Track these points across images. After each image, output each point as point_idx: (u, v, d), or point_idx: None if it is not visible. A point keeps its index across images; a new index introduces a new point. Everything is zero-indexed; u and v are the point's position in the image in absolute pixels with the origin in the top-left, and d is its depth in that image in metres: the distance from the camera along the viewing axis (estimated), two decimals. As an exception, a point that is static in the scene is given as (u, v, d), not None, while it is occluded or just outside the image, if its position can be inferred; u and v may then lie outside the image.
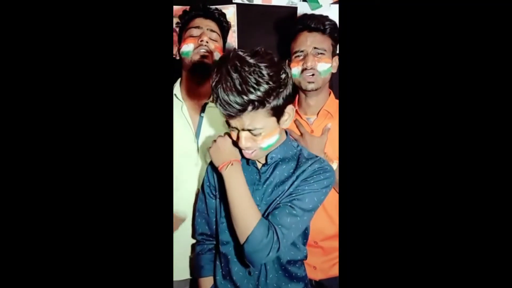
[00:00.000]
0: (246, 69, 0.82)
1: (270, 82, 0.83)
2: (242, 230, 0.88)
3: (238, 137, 0.92)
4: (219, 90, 0.83)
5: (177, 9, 1.56)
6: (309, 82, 1.26)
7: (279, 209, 0.91)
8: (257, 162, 1.01)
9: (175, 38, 1.39)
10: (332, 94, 1.37)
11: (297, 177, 0.95)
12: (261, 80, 0.82)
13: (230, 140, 0.97)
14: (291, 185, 0.95)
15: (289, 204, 0.91)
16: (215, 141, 0.99)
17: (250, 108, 0.83)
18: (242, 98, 0.81)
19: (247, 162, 1.02)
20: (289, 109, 0.93)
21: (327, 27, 1.28)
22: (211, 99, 1.31)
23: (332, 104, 1.34)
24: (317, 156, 1.01)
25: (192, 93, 1.33)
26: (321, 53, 1.26)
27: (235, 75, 0.81)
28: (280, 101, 0.87)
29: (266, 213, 0.95)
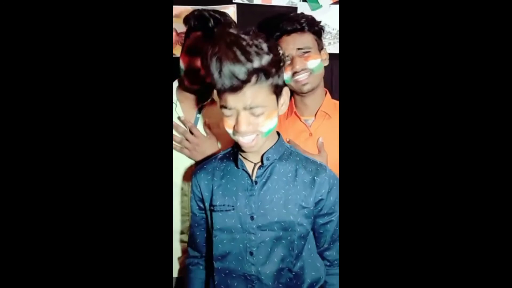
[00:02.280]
0: (244, 43, 0.79)
1: (271, 54, 0.81)
2: None
3: (236, 122, 0.83)
4: (221, 61, 0.78)
5: (177, 8, 1.55)
6: (303, 84, 1.24)
7: (334, 248, 0.97)
8: (246, 164, 0.94)
9: (175, 38, 1.39)
10: (328, 93, 1.36)
11: (303, 184, 0.92)
12: (261, 52, 0.79)
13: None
14: (293, 189, 0.91)
15: (336, 238, 0.96)
16: None
17: (254, 79, 0.80)
18: (247, 67, 0.77)
19: (236, 165, 0.94)
20: (285, 92, 0.90)
21: (303, 24, 1.25)
22: (208, 101, 1.30)
23: (329, 104, 1.32)
24: (315, 159, 0.98)
25: (188, 95, 1.32)
26: (306, 52, 1.24)
27: (234, 47, 0.78)
28: (280, 79, 0.86)
29: (270, 228, 0.90)
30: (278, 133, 0.98)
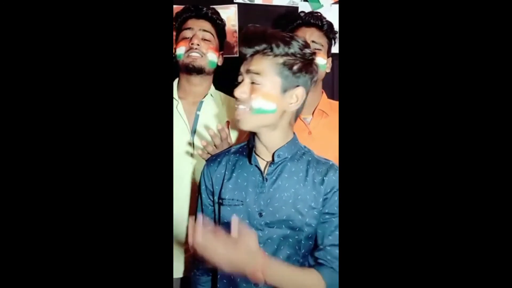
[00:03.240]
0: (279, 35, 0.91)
1: (296, 48, 0.90)
2: None
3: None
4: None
5: (177, 9, 1.56)
6: None
7: (328, 251, 0.89)
8: (259, 161, 0.95)
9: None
10: (324, 93, 1.40)
11: (313, 183, 0.92)
12: (289, 40, 0.89)
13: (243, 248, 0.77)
14: (303, 189, 0.91)
15: (335, 243, 0.89)
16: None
17: (262, 49, 0.89)
18: (264, 41, 0.89)
19: (249, 160, 0.95)
20: (299, 92, 0.91)
21: (324, 23, 1.32)
22: (206, 97, 1.34)
23: (326, 103, 1.37)
24: (327, 160, 0.97)
25: (188, 92, 1.35)
26: (317, 48, 1.29)
27: (267, 31, 0.91)
28: (291, 71, 0.89)
29: (273, 224, 0.90)
30: (294, 133, 0.98)
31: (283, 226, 0.90)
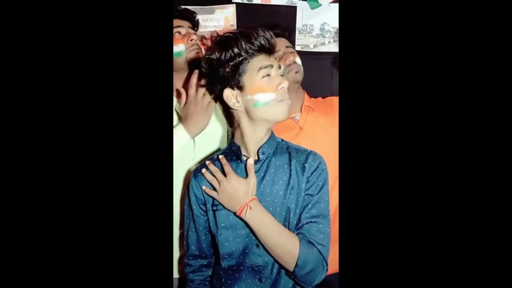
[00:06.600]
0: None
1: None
2: (287, 259, 0.88)
3: (280, 79, 0.93)
4: (251, 31, 0.90)
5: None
6: (296, 72, 1.34)
7: (305, 229, 0.92)
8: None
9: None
10: (305, 93, 1.46)
11: (296, 172, 0.95)
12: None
13: (235, 178, 0.91)
14: (290, 179, 0.94)
15: (313, 220, 0.92)
16: (212, 182, 0.94)
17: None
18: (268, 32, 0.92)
19: (240, 159, 0.97)
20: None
21: (286, 32, 1.43)
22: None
23: (309, 100, 1.44)
24: (305, 148, 1.01)
25: (183, 91, 1.34)
26: (292, 52, 1.38)
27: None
28: None
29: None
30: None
31: (278, 218, 0.92)
